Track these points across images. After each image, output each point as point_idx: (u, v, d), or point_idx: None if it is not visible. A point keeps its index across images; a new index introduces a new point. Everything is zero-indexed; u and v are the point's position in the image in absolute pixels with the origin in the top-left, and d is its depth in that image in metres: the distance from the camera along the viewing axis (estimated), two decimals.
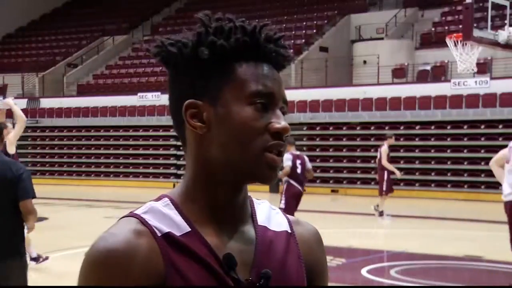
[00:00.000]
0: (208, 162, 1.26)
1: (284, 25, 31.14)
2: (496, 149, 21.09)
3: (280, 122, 1.25)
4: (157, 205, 1.26)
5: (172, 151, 25.75)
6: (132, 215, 1.25)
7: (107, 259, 1.17)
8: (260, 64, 1.27)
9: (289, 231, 1.35)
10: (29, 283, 8.27)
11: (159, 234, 1.21)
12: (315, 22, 31.10)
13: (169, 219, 1.24)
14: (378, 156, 15.72)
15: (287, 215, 1.39)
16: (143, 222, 1.22)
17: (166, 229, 1.22)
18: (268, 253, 1.29)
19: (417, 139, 22.43)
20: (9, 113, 30.00)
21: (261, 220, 1.33)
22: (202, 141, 1.26)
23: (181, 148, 1.35)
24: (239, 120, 1.23)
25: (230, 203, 1.28)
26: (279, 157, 1.25)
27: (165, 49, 1.28)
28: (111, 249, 1.18)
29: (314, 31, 30.39)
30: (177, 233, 1.22)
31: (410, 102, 23.02)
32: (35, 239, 9.56)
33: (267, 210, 1.36)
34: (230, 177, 1.26)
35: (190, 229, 1.24)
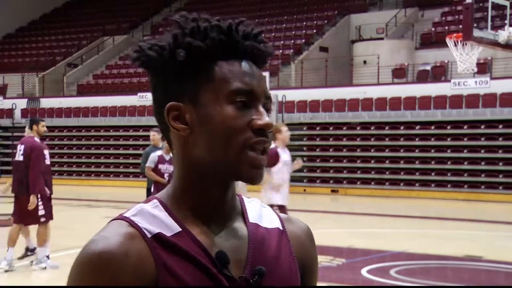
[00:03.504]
0: (193, 163, 1.26)
1: (284, 25, 31.17)
2: (496, 149, 21.24)
3: (262, 118, 1.24)
4: (146, 207, 1.26)
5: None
6: (121, 217, 1.24)
7: (98, 262, 1.17)
8: (239, 61, 1.27)
9: (281, 228, 1.36)
10: (29, 283, 8.28)
11: (149, 236, 1.21)
12: (315, 22, 31.10)
13: (159, 221, 1.24)
14: None
15: (278, 213, 1.40)
16: (132, 224, 1.22)
17: (156, 230, 1.22)
18: (261, 250, 1.29)
19: (417, 139, 22.44)
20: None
21: (252, 217, 1.33)
22: (186, 143, 1.26)
23: (161, 148, 1.35)
24: (220, 119, 1.23)
25: (219, 201, 1.28)
26: (263, 155, 1.25)
27: (143, 54, 1.28)
28: (103, 252, 1.17)
29: (314, 31, 30.39)
30: (168, 234, 1.22)
31: (410, 102, 23.03)
32: (35, 239, 9.56)
33: (258, 208, 1.36)
34: (216, 177, 1.26)
35: (180, 229, 1.23)
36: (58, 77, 33.45)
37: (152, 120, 27.35)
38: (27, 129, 9.23)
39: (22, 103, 30.86)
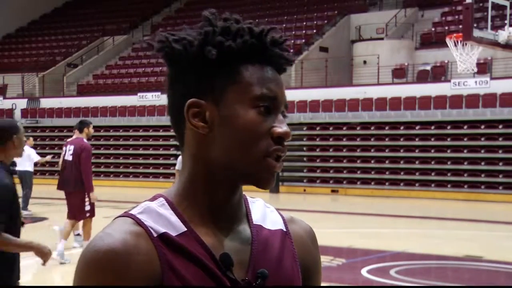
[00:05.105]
0: (207, 162, 1.25)
1: (284, 25, 31.16)
2: (496, 149, 21.24)
3: (282, 127, 1.24)
4: (153, 205, 1.25)
5: (172, 151, 25.75)
6: (127, 215, 1.24)
7: (104, 259, 1.16)
8: (265, 67, 1.27)
9: (284, 229, 1.35)
10: (30, 283, 8.27)
11: (155, 235, 1.20)
12: (315, 22, 31.10)
13: (164, 219, 1.23)
14: None
15: (282, 213, 1.39)
16: (138, 222, 1.21)
17: (162, 229, 1.21)
18: (264, 252, 1.28)
19: (417, 139, 22.44)
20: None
21: (256, 218, 1.32)
22: (202, 141, 1.25)
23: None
24: (242, 122, 1.22)
25: (227, 202, 1.27)
26: (278, 162, 1.25)
27: (169, 45, 1.26)
28: (108, 249, 1.17)
29: (314, 31, 30.39)
30: (173, 233, 1.22)
31: (410, 102, 23.03)
32: (34, 239, 9.57)
33: (261, 209, 1.35)
34: (229, 178, 1.25)
35: (186, 229, 1.23)
36: (58, 77, 33.45)
37: (152, 120, 27.41)
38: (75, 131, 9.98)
39: (22, 103, 30.85)
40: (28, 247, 3.96)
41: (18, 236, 3.97)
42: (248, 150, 1.22)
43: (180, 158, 7.83)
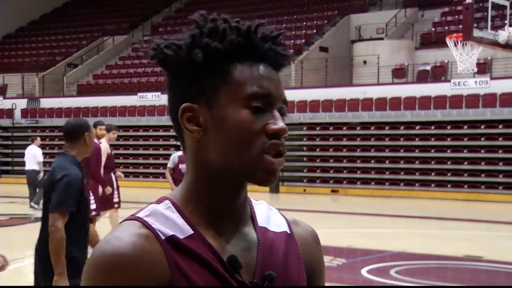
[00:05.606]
0: (207, 165, 1.24)
1: (284, 25, 31.14)
2: (496, 149, 21.24)
3: (277, 123, 1.23)
4: (159, 208, 1.25)
5: (172, 151, 25.70)
6: (134, 218, 1.23)
7: (114, 263, 1.16)
8: (257, 64, 1.25)
9: (288, 231, 1.35)
10: (30, 283, 8.27)
11: (163, 238, 1.20)
12: (315, 22, 31.10)
13: (171, 222, 1.23)
14: None
15: (285, 215, 1.39)
16: (146, 225, 1.21)
17: (169, 232, 1.21)
18: (270, 254, 1.28)
19: (417, 139, 22.43)
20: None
21: (260, 221, 1.32)
22: (200, 145, 1.24)
23: (181, 148, 1.34)
24: (235, 123, 1.21)
25: (231, 204, 1.27)
26: (278, 158, 1.23)
27: (161, 52, 1.26)
28: (118, 253, 1.17)
29: (314, 31, 30.39)
30: (181, 236, 1.21)
31: (410, 102, 23.02)
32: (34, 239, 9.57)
33: (265, 211, 1.35)
34: (229, 180, 1.25)
35: (193, 232, 1.23)
36: (58, 77, 33.44)
37: (152, 120, 27.40)
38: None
39: (22, 103, 30.84)
40: (56, 266, 4.03)
41: (87, 228, 4.18)
42: (243, 150, 1.21)
43: (172, 156, 7.94)
